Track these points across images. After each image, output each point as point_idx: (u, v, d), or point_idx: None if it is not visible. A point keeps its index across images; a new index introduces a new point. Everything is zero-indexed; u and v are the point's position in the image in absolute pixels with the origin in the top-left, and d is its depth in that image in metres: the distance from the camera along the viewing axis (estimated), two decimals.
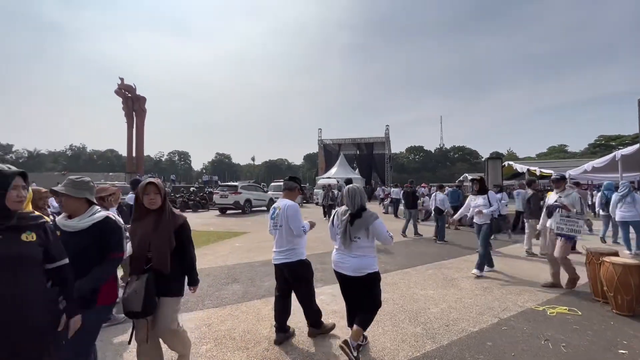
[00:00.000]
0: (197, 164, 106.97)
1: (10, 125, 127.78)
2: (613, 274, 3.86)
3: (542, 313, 3.90)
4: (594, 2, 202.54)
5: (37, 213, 1.79)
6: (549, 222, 4.95)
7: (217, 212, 17.49)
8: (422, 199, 13.67)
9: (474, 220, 5.85)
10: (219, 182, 32.94)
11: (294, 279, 3.23)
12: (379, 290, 2.96)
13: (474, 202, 5.77)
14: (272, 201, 19.29)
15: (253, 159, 58.09)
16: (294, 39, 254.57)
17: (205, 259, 6.68)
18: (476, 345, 3.14)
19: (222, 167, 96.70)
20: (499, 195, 7.32)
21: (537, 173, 18.75)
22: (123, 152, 45.70)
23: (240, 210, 16.94)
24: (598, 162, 13.87)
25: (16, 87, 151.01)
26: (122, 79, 33.90)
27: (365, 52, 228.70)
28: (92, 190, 2.14)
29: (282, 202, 3.32)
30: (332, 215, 3.13)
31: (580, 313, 3.86)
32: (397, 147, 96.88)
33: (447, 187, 14.53)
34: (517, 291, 4.69)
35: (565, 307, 4.01)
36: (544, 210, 5.19)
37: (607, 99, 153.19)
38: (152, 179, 2.37)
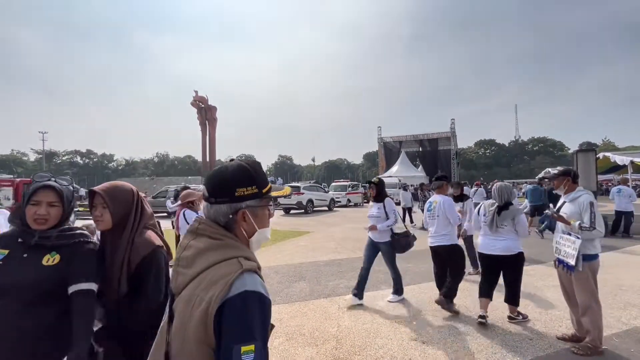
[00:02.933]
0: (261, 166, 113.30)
1: (111, 138, 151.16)
2: None
3: None
4: None
5: (78, 229, 1.46)
6: (554, 240, 3.35)
7: (282, 212, 18.34)
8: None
9: (369, 235, 4.50)
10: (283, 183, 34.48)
11: (448, 258, 4.06)
12: (522, 271, 3.63)
13: (369, 212, 4.52)
14: (333, 201, 19.55)
15: (313, 160, 59.74)
16: (354, 39, 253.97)
17: (273, 257, 7.09)
18: None
19: (284, 168, 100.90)
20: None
21: None
22: (198, 157, 50.68)
23: (303, 210, 17.52)
24: None
25: (113, 104, 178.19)
26: (196, 92, 37.59)
27: (428, 43, 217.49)
28: None
29: (438, 197, 4.23)
30: (479, 207, 3.90)
31: None
32: (465, 141, 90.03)
33: (525, 184, 13.08)
34: (621, 305, 4.03)
35: None
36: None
37: None
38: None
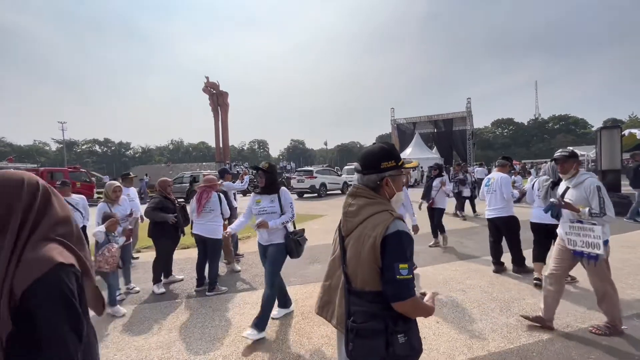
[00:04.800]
0: (274, 151, 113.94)
1: (129, 127, 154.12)
2: None
3: None
4: None
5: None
6: (559, 229, 3.14)
7: (295, 196, 18.49)
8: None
9: (258, 239, 3.45)
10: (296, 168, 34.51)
11: (506, 229, 4.62)
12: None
13: (255, 206, 3.40)
14: (346, 184, 19.53)
15: (326, 144, 59.30)
16: (366, 18, 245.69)
17: None
18: (587, 343, 2.76)
19: (297, 152, 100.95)
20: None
21: None
22: (212, 143, 51.21)
23: (316, 194, 17.61)
24: None
25: (129, 95, 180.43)
26: (207, 77, 37.54)
27: (443, 21, 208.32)
28: None
29: (495, 174, 4.73)
30: (533, 182, 4.34)
31: None
32: (481, 121, 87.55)
33: (545, 164, 12.66)
34: None
35: None
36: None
37: None
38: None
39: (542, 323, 3.01)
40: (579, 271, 4.47)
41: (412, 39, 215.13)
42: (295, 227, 3.49)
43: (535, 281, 4.07)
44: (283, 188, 3.45)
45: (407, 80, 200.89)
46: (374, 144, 1.47)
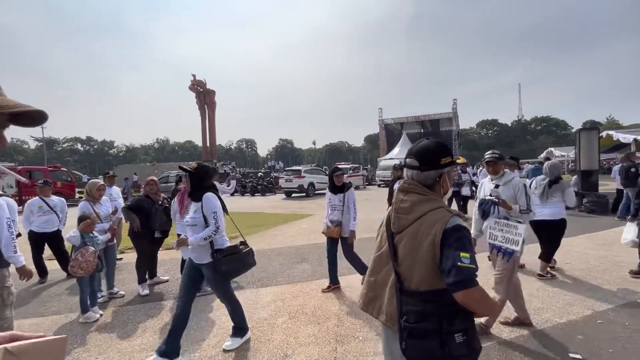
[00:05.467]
0: (262, 150, 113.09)
1: (112, 125, 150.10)
2: None
3: None
4: None
5: None
6: (484, 225, 3.18)
7: (283, 196, 18.42)
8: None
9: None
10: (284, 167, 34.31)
11: None
12: (563, 234, 4.29)
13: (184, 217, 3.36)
14: None
15: (314, 143, 59.20)
16: (355, 18, 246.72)
17: (275, 239, 7.18)
18: (564, 337, 2.86)
19: (285, 152, 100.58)
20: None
21: None
22: (199, 142, 50.42)
23: (304, 194, 17.59)
24: None
25: (113, 92, 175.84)
26: (194, 75, 36.99)
27: (432, 21, 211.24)
28: None
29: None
30: (531, 181, 4.49)
31: None
32: (467, 122, 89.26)
33: (527, 164, 12.99)
34: (617, 281, 4.09)
35: None
36: (476, 208, 3.28)
37: None
38: None
39: (521, 322, 3.08)
40: (558, 264, 4.61)
41: (400, 40, 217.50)
42: (244, 240, 3.08)
43: (538, 276, 4.31)
44: (208, 194, 2.79)
45: (395, 80, 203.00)
46: (428, 138, 1.43)
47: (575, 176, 10.54)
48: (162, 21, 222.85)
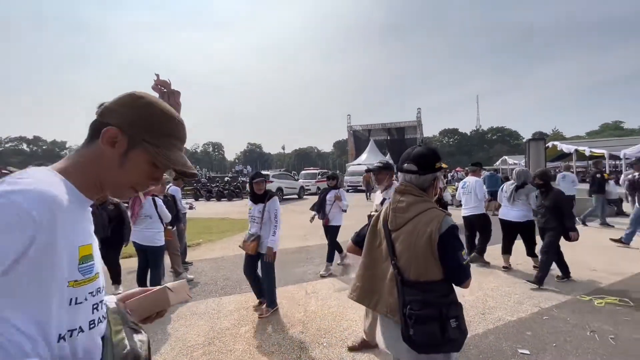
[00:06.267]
0: (230, 154, 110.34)
1: (64, 125, 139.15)
2: None
3: (589, 303, 3.68)
4: None
5: None
6: None
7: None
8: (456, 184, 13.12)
9: None
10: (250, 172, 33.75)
11: (478, 224, 5.36)
12: (535, 232, 4.73)
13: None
14: (302, 189, 19.55)
15: (283, 148, 58.88)
16: (325, 25, 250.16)
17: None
18: (514, 334, 3.05)
19: (254, 156, 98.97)
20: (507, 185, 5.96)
21: (587, 153, 17.18)
22: None
23: None
24: None
25: (65, 90, 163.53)
26: (157, 75, 35.03)
27: (402, 30, 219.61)
28: None
29: (470, 179, 5.53)
30: (502, 186, 5.14)
31: (632, 304, 3.60)
32: (430, 130, 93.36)
33: (484, 171, 13.86)
34: (562, 281, 4.45)
35: (615, 298, 3.76)
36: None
37: None
38: None
39: (367, 345, 2.83)
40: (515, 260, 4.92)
41: (370, 48, 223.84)
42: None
43: (504, 268, 4.92)
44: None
45: (364, 87, 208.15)
46: (421, 145, 1.67)
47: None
48: (123, 16, 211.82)
